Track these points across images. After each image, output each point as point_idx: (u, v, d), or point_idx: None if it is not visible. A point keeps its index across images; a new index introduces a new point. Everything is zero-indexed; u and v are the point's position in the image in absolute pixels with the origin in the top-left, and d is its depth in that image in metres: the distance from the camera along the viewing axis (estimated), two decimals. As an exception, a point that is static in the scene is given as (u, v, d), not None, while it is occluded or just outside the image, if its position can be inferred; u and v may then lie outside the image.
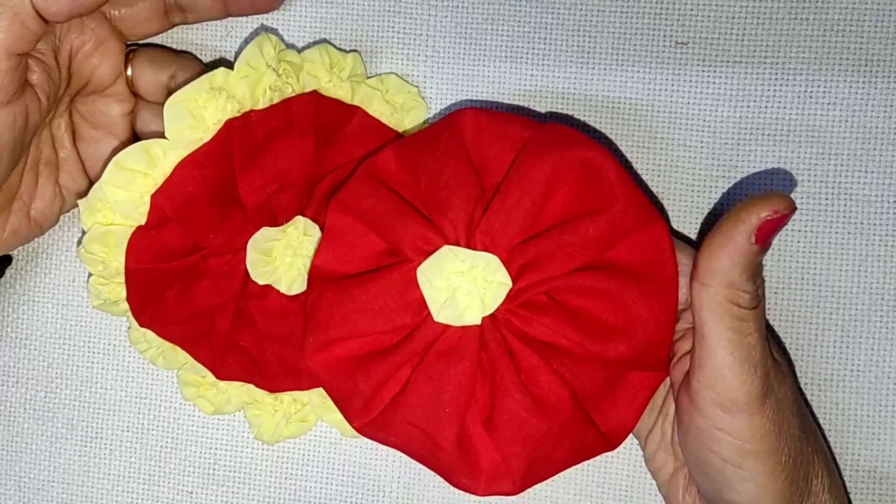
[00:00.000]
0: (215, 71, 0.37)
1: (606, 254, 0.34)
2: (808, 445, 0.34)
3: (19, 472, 0.42)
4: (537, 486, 0.39)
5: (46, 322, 0.42)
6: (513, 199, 0.34)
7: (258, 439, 0.39)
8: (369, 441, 0.40)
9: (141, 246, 0.37)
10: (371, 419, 0.35)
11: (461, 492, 0.35)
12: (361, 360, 0.35)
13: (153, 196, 0.37)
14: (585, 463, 0.39)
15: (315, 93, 0.38)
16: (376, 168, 0.36)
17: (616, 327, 0.34)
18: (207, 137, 0.37)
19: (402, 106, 0.39)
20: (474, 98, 0.40)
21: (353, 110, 0.38)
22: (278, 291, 0.37)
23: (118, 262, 0.38)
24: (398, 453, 0.40)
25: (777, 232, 0.32)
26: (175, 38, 0.40)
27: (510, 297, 0.34)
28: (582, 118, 0.39)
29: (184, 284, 0.38)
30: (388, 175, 0.36)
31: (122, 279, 0.38)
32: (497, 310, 0.34)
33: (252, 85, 0.37)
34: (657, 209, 0.34)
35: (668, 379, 0.36)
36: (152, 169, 0.37)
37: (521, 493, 0.35)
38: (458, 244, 0.34)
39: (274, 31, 0.40)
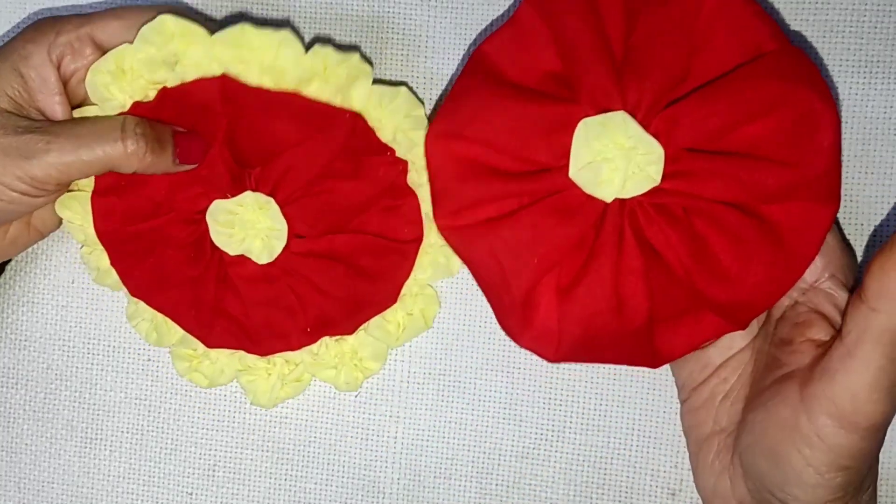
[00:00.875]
0: (119, 48, 0.36)
1: (765, 205, 0.32)
2: (875, 462, 0.33)
3: (19, 473, 0.42)
4: (536, 486, 0.39)
5: (46, 323, 0.42)
6: (714, 108, 0.32)
7: (256, 405, 0.39)
8: (369, 441, 0.40)
9: (105, 211, 0.37)
10: (455, 226, 0.34)
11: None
12: (477, 169, 0.34)
13: None
14: (585, 463, 0.39)
15: (224, 77, 0.36)
16: None
17: (727, 273, 0.32)
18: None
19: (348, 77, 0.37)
20: (474, 98, 0.40)
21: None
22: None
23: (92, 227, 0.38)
24: (398, 453, 0.40)
25: None
26: None
27: (649, 193, 0.33)
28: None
29: (159, 251, 0.37)
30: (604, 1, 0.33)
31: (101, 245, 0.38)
32: (631, 199, 0.33)
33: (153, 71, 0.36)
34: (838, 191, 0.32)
35: (735, 338, 0.35)
36: None
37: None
38: (633, 115, 0.32)
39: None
